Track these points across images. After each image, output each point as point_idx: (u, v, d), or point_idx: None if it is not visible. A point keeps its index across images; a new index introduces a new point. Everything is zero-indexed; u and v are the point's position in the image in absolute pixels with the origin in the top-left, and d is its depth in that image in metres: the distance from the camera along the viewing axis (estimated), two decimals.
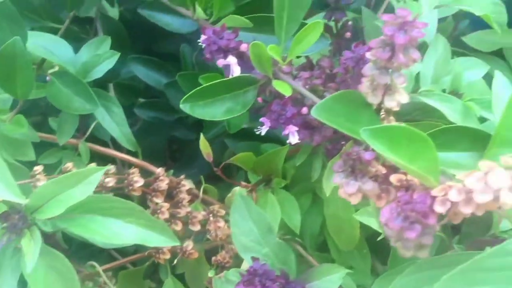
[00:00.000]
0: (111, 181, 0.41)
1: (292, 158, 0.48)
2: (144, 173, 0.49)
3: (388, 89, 0.30)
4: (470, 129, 0.34)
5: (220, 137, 0.59)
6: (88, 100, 0.39)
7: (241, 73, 0.33)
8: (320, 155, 0.44)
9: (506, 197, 0.23)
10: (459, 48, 0.61)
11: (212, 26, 0.35)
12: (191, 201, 0.49)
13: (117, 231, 0.33)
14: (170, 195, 0.48)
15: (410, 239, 0.25)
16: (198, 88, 0.31)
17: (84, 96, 0.39)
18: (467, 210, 0.26)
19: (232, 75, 0.32)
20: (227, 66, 0.32)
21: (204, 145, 0.43)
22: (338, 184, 0.29)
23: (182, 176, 0.48)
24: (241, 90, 0.33)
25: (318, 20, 0.33)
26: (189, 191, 0.48)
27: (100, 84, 0.68)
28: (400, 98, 0.30)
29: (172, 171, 0.49)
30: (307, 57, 0.41)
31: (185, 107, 0.31)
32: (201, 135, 0.42)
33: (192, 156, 0.70)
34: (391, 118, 0.32)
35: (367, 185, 0.29)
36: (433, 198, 0.28)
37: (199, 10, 0.33)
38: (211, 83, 0.32)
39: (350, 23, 0.42)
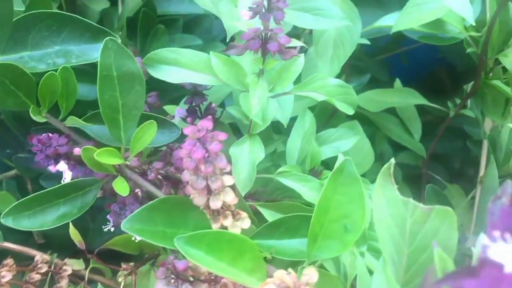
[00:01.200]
0: None
1: None
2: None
3: (211, 191, 0.31)
4: (309, 216, 0.35)
5: None
6: None
7: (83, 174, 0.34)
8: None
9: None
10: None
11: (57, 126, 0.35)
12: (76, 284, 0.48)
13: None
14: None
15: None
16: (24, 198, 0.31)
17: None
18: None
19: (63, 181, 0.32)
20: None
21: (74, 233, 0.42)
22: None
23: (66, 260, 0.47)
24: (80, 192, 0.33)
25: (153, 121, 0.33)
26: (74, 274, 0.47)
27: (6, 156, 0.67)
28: (226, 198, 0.31)
29: (56, 254, 0.49)
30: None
31: (7, 221, 0.31)
32: (70, 224, 0.42)
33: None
34: (227, 212, 0.33)
35: None
36: None
37: (33, 114, 0.34)
38: (41, 192, 0.32)
39: (213, 105, 0.43)
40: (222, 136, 0.28)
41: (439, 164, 0.90)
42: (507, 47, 0.53)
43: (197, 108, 0.43)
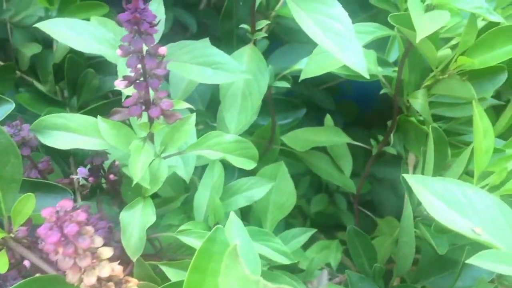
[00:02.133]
0: None
1: None
2: None
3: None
4: None
5: None
6: None
7: None
8: None
9: None
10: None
11: None
12: None
13: None
14: None
15: None
16: None
17: None
18: None
19: None
20: None
21: None
22: None
23: None
24: None
25: (31, 194, 0.33)
26: None
27: None
28: (101, 273, 0.31)
29: None
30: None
31: None
32: None
33: None
34: (110, 284, 0.32)
35: None
36: None
37: None
38: None
39: (117, 163, 0.43)
40: (82, 216, 0.27)
41: (387, 190, 0.90)
42: (420, 87, 0.54)
43: (99, 167, 0.42)
